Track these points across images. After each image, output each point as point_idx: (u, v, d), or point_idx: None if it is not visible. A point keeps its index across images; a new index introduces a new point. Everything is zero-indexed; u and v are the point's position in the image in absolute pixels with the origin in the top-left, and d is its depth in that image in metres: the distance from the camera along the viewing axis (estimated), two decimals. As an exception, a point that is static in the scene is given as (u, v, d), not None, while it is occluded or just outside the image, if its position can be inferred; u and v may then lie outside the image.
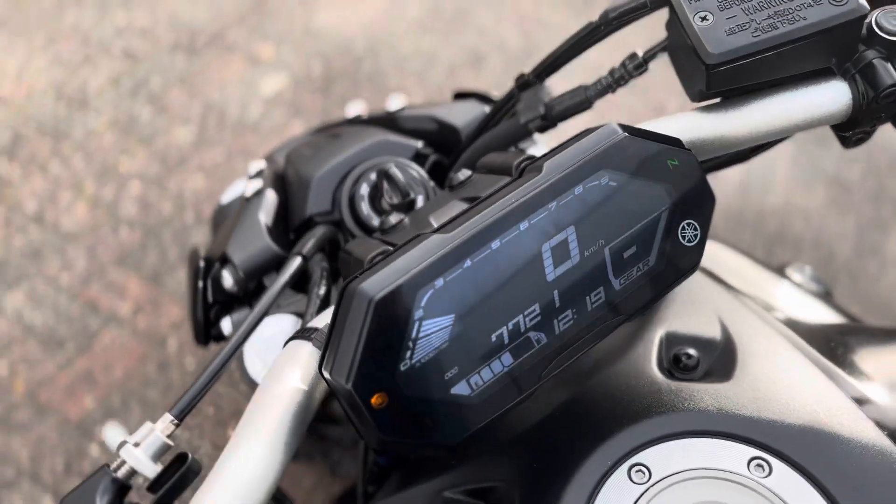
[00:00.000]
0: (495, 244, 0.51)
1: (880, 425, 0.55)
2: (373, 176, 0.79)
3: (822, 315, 0.84)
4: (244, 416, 0.51)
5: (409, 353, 0.49)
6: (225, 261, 0.79)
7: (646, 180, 0.54)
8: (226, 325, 0.83)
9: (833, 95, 0.59)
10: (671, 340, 0.64)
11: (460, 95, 0.94)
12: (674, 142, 0.56)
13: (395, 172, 0.76)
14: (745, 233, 2.36)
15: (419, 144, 0.83)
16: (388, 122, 0.87)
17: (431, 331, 0.49)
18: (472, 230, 0.50)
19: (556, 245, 0.52)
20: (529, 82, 0.73)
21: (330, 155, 0.81)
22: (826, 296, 0.93)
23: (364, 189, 0.79)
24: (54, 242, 2.18)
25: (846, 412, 0.55)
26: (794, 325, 0.68)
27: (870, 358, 0.65)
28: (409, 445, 0.50)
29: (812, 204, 2.36)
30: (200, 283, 0.80)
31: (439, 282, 0.49)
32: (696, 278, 0.70)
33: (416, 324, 0.49)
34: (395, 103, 0.91)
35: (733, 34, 0.55)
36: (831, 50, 0.57)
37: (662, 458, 0.54)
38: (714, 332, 0.64)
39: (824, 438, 0.53)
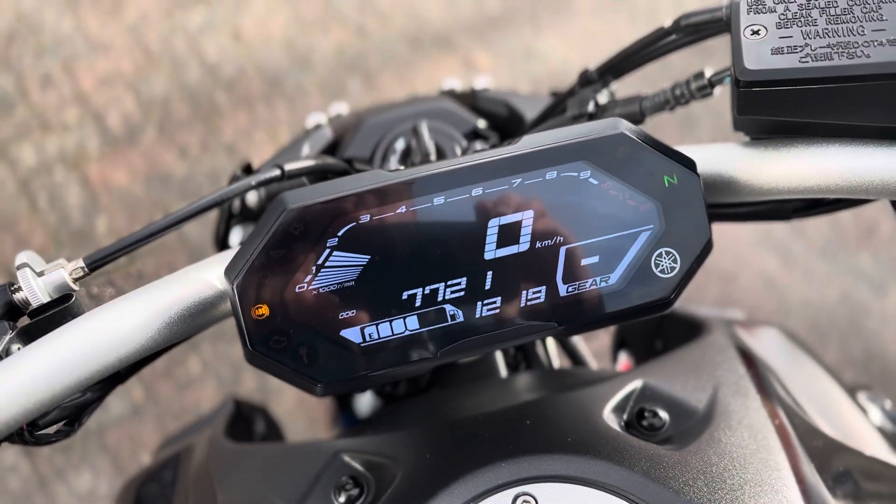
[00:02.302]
0: (438, 199, 0.46)
1: None
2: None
3: (874, 447, 0.69)
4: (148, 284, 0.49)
5: (308, 277, 0.46)
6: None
7: (633, 189, 0.47)
8: (234, 236, 0.83)
9: (891, 164, 0.47)
10: (647, 394, 0.56)
11: (555, 94, 0.89)
12: (683, 160, 0.48)
13: (423, 131, 0.73)
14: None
15: (480, 123, 0.79)
16: (469, 98, 0.85)
17: (341, 264, 0.46)
18: (415, 175, 0.46)
19: (507, 225, 0.47)
20: (591, 79, 0.66)
21: (390, 109, 0.80)
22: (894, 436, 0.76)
23: (400, 144, 0.76)
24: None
25: None
26: (811, 435, 0.56)
27: (868, 490, 0.53)
28: (278, 369, 0.46)
29: None
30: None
31: (365, 217, 0.46)
32: (721, 347, 0.60)
33: (327, 251, 0.46)
34: (480, 83, 0.88)
35: (779, 54, 0.46)
36: (893, 104, 0.45)
37: (556, 498, 0.47)
38: (698, 402, 0.55)
39: None
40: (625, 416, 0.54)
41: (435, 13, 2.85)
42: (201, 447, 0.69)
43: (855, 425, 0.72)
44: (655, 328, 0.86)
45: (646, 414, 0.54)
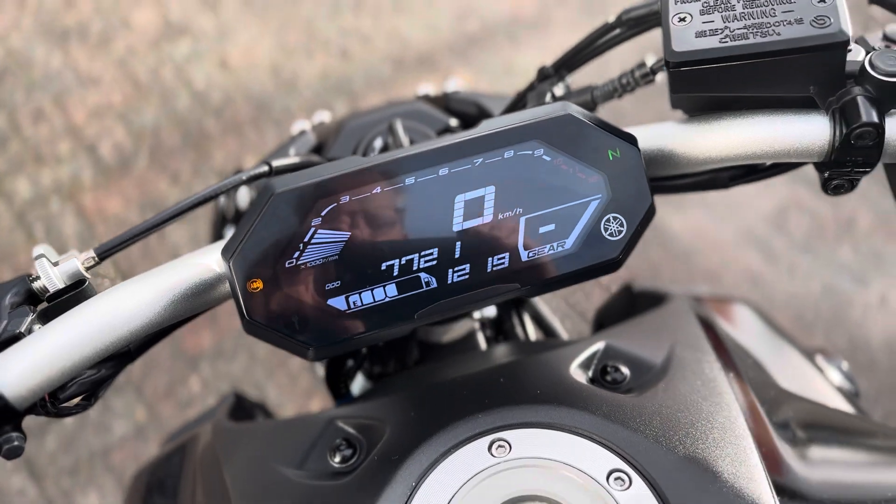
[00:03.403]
0: (409, 180, 0.52)
1: (781, 488, 0.49)
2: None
3: (827, 399, 0.74)
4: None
5: (297, 253, 0.51)
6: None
7: (581, 163, 0.53)
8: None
9: (810, 128, 0.53)
10: (609, 352, 0.61)
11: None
12: (624, 136, 0.54)
13: (398, 128, 0.79)
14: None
15: (452, 121, 0.84)
16: (442, 100, 0.90)
17: (325, 240, 0.51)
18: (387, 159, 0.52)
19: (472, 199, 0.52)
20: (548, 74, 0.72)
21: (369, 113, 0.85)
22: (851, 395, 0.81)
23: (378, 142, 0.81)
24: (226, 195, 2.38)
25: (744, 464, 0.49)
26: (764, 386, 0.61)
27: (818, 433, 0.58)
28: (272, 336, 0.51)
29: None
30: (221, 199, 0.86)
31: (344, 198, 0.51)
32: (679, 312, 0.66)
33: (312, 229, 0.51)
34: (451, 85, 0.94)
35: (702, 37, 0.52)
36: (809, 76, 0.51)
37: (528, 442, 0.51)
38: (656, 358, 0.60)
39: (702, 476, 0.48)
40: (590, 373, 0.59)
41: (416, 35, 2.93)
42: (206, 433, 0.73)
43: (811, 383, 0.77)
44: (630, 307, 0.91)
45: (608, 369, 0.59)
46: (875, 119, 0.50)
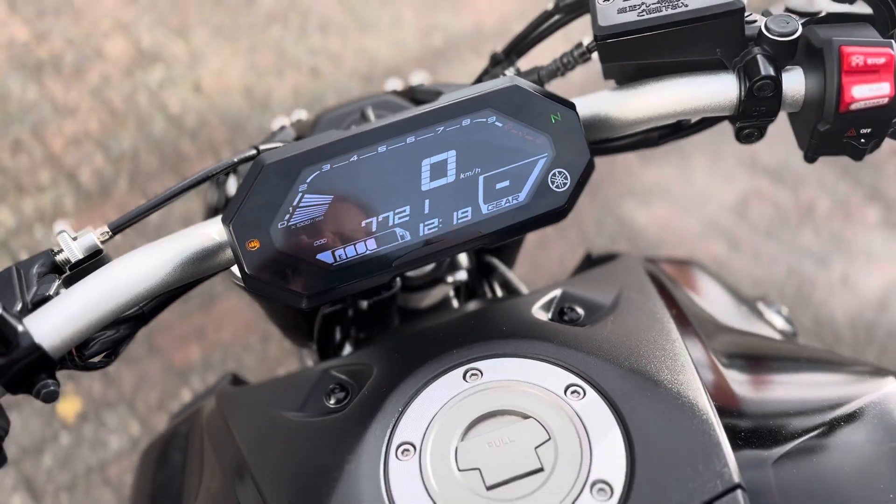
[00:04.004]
0: (382, 148, 0.59)
1: (717, 398, 0.57)
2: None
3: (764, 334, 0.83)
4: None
5: (287, 216, 0.58)
6: (234, 171, 0.92)
7: (528, 127, 0.60)
8: None
9: (721, 86, 0.62)
10: (565, 297, 0.69)
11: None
12: (564, 101, 0.62)
13: (369, 114, 0.86)
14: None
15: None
16: (409, 93, 0.98)
17: (311, 204, 0.58)
18: (362, 130, 0.60)
19: (436, 163, 0.60)
20: (499, 59, 0.81)
21: (343, 106, 0.94)
22: (790, 335, 0.90)
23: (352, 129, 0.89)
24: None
25: (682, 374, 0.57)
26: (705, 322, 0.70)
27: (750, 354, 0.67)
28: (270, 289, 0.59)
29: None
30: (210, 193, 0.94)
31: (326, 166, 0.59)
32: (628, 265, 0.74)
33: (299, 195, 0.58)
34: (415, 79, 1.02)
35: (623, 13, 0.61)
36: (714, 40, 0.60)
37: (497, 369, 0.60)
38: (607, 300, 0.68)
39: (645, 385, 0.56)
40: (549, 315, 0.68)
41: (383, 51, 3.02)
42: (209, 404, 0.80)
43: (752, 323, 0.86)
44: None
45: (565, 310, 0.67)
46: (772, 73, 0.59)
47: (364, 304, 0.84)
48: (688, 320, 0.67)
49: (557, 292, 0.69)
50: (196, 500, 0.70)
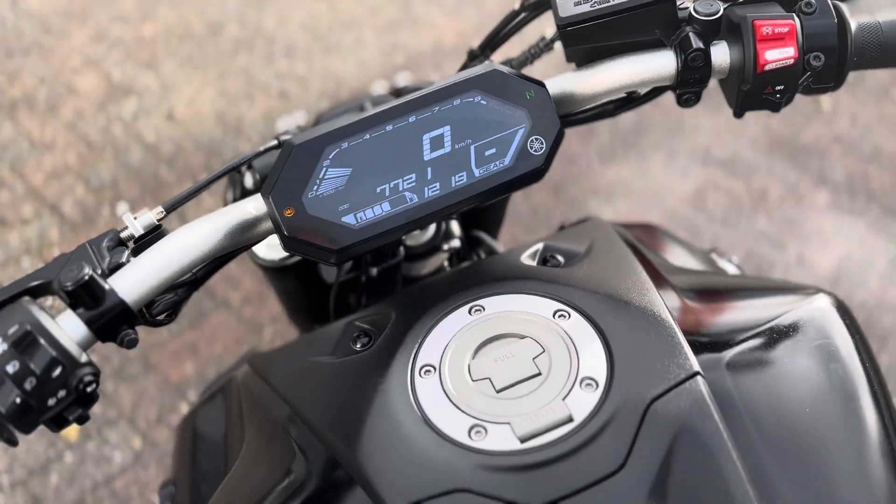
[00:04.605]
0: (389, 127, 0.71)
1: (673, 312, 0.69)
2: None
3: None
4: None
5: (315, 187, 0.70)
6: (249, 166, 1.03)
7: (508, 103, 0.73)
8: None
9: (662, 61, 0.75)
10: (547, 248, 0.82)
11: None
12: (536, 81, 0.75)
13: (367, 107, 0.98)
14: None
15: None
16: (396, 93, 1.10)
17: (334, 176, 0.70)
18: (372, 113, 0.72)
19: (435, 137, 0.72)
20: (475, 54, 0.94)
21: (340, 106, 1.05)
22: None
23: None
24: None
25: (646, 296, 0.70)
26: (666, 265, 0.83)
27: (704, 284, 0.80)
28: (305, 248, 0.70)
29: (899, 298, 2.37)
30: (229, 193, 1.05)
31: (344, 144, 0.70)
32: (597, 224, 0.87)
33: (324, 169, 0.70)
34: (401, 80, 1.15)
35: (578, 5, 0.74)
36: (654, 23, 0.74)
37: (496, 303, 0.72)
38: (581, 248, 0.81)
39: (618, 305, 0.69)
40: (535, 262, 0.80)
41: (348, 72, 3.14)
42: (240, 373, 0.90)
43: (707, 269, 0.99)
44: None
45: (548, 258, 0.80)
46: (702, 46, 0.73)
47: (374, 271, 0.96)
48: (649, 261, 0.79)
49: (540, 245, 0.82)
50: (240, 457, 0.79)
